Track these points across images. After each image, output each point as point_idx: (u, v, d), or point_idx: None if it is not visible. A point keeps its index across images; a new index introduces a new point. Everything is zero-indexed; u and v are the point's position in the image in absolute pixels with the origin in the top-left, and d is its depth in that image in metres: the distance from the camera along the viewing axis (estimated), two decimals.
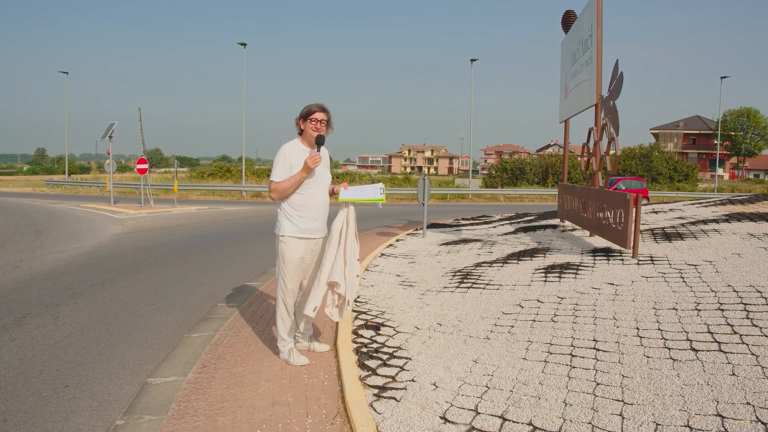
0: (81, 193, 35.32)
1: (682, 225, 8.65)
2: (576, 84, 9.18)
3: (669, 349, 3.82)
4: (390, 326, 5.13)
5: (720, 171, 43.29)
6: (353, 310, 5.74)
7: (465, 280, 6.68)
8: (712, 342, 3.85)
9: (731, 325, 4.10)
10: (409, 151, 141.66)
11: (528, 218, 14.04)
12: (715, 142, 53.05)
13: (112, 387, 4.15)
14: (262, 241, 12.09)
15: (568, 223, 10.75)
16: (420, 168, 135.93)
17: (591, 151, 8.42)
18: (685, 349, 3.79)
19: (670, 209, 11.70)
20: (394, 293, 6.48)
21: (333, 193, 4.50)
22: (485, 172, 69.09)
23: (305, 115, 4.25)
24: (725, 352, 3.67)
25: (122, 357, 4.78)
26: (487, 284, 6.37)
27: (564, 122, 10.84)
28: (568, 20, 10.26)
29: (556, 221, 11.64)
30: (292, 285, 4.36)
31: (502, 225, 12.92)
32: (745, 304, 4.49)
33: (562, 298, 5.32)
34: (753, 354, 3.60)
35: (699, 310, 4.49)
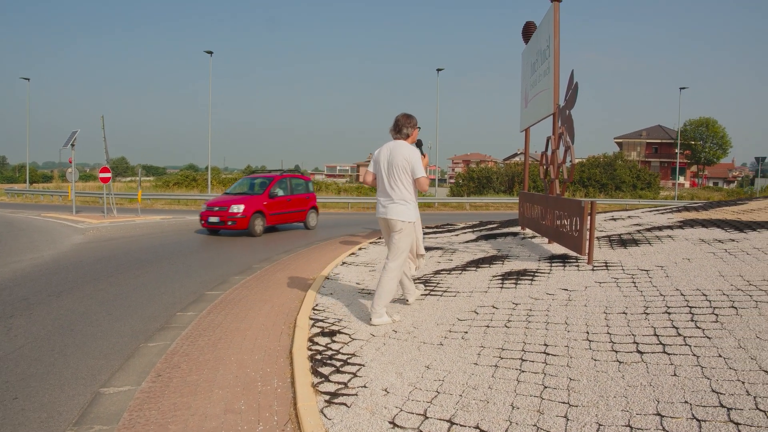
0: (42, 203, 34.55)
1: (639, 231, 8.84)
2: (535, 94, 9.35)
3: (616, 352, 3.91)
4: (346, 333, 5.13)
5: (681, 179, 44.33)
6: (311, 318, 5.75)
7: (424, 288, 6.72)
8: (657, 344, 3.95)
9: (676, 328, 4.21)
10: None
11: (490, 226, 14.21)
12: (676, 151, 54.36)
13: (64, 398, 4.08)
14: (225, 250, 12.01)
15: (528, 231, 10.90)
16: None
17: (549, 159, 8.57)
18: (631, 352, 3.87)
19: (629, 216, 11.95)
20: (353, 301, 6.49)
21: None
22: (453, 180, 69.57)
23: (416, 124, 5.54)
24: (669, 354, 3.76)
25: (76, 367, 4.69)
26: (445, 291, 6.43)
27: (525, 131, 11.01)
28: (528, 31, 10.44)
29: (517, 229, 11.79)
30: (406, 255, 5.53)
31: (465, 233, 13.04)
32: (690, 308, 4.61)
33: (516, 304, 5.39)
34: (694, 355, 3.70)
35: (647, 314, 4.59)
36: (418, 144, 5.67)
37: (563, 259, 7.24)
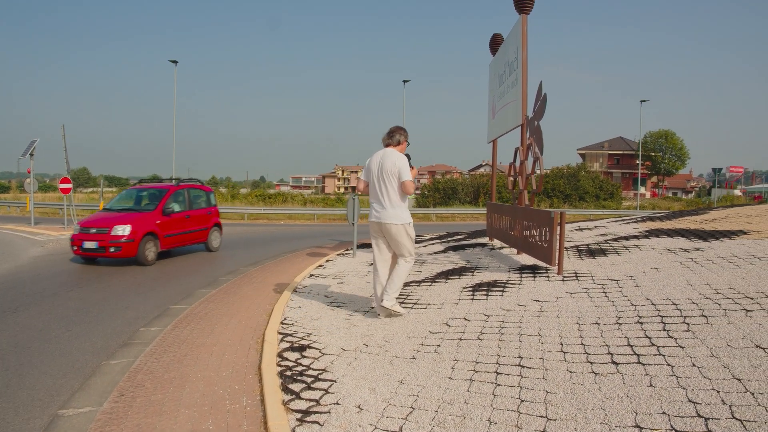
0: None
1: (606, 242, 8.91)
2: (503, 105, 9.39)
3: (591, 363, 3.87)
4: (316, 348, 5.01)
5: (642, 189, 45.28)
6: (279, 333, 5.61)
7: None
8: (631, 354, 3.93)
9: (649, 338, 4.20)
10: (343, 171, 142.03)
11: (458, 237, 14.21)
12: (637, 162, 55.53)
13: (19, 421, 3.86)
14: (190, 263, 11.74)
15: (496, 242, 10.92)
16: (353, 188, 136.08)
17: (517, 170, 8.59)
18: (606, 363, 3.84)
19: (595, 226, 12.07)
20: (322, 314, 6.37)
21: None
22: (418, 192, 69.93)
23: (407, 136, 6.00)
24: (643, 364, 3.74)
25: (32, 388, 4.47)
26: (415, 303, 6.35)
27: (492, 142, 11.05)
28: (495, 43, 10.51)
29: (485, 240, 11.81)
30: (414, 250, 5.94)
31: (433, 244, 13.01)
32: (662, 317, 4.62)
33: (488, 316, 5.34)
34: (669, 365, 3.69)
35: (620, 324, 4.58)
36: (407, 157, 5.91)
37: (533, 269, 7.24)
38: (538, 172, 7.44)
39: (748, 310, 4.57)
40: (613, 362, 3.84)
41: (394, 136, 5.92)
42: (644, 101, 44.67)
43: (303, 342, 5.21)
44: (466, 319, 5.33)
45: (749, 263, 6.25)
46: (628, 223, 11.92)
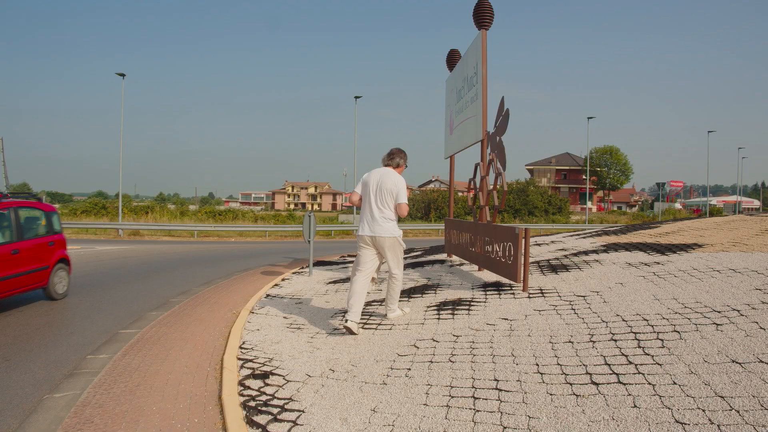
0: None
1: (566, 257, 8.91)
2: (461, 120, 9.34)
3: (571, 384, 3.74)
4: (279, 375, 4.73)
5: (589, 204, 46.30)
6: (239, 358, 5.30)
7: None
8: (610, 374, 3.81)
9: (626, 355, 4.11)
10: (293, 187, 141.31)
11: (415, 253, 14.07)
12: (584, 177, 56.89)
13: None
14: (141, 284, 11.21)
15: (455, 258, 10.82)
16: (303, 204, 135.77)
17: (478, 186, 8.52)
18: (586, 384, 3.72)
19: (552, 241, 12.12)
20: (282, 337, 6.08)
21: None
22: None
23: (406, 160, 6.28)
24: (624, 384, 3.63)
25: None
26: (379, 324, 6.14)
27: (449, 158, 10.98)
28: (452, 59, 10.49)
29: (443, 256, 11.70)
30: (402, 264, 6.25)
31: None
32: (635, 333, 4.54)
33: (457, 336, 5.17)
34: (650, 383, 3.59)
35: (594, 342, 4.48)
36: None
37: (497, 286, 7.13)
38: (501, 187, 7.37)
39: (718, 324, 4.54)
40: (593, 382, 3.72)
41: (394, 159, 6.20)
42: (591, 118, 45.77)
43: (265, 368, 4.92)
44: (434, 340, 5.15)
45: (710, 276, 6.29)
46: (584, 237, 12.01)
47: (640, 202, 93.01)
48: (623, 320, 4.93)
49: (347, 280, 9.86)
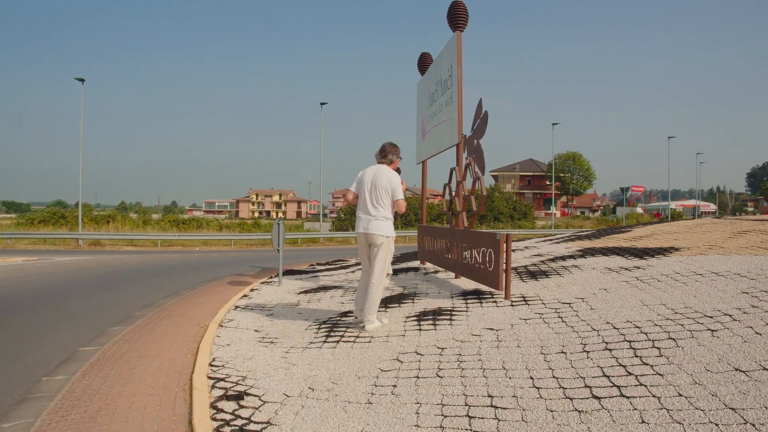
0: None
1: (543, 262, 8.74)
2: (435, 124, 9.11)
3: (571, 399, 3.50)
4: (254, 395, 4.38)
5: (552, 209, 46.77)
6: (209, 377, 4.93)
7: (332, 333, 6.08)
8: (611, 386, 3.59)
9: (624, 366, 3.90)
10: (257, 195, 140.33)
11: None
12: (548, 183, 57.52)
13: None
14: (102, 296, 10.67)
15: (429, 265, 10.58)
16: (268, 213, 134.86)
17: (454, 191, 8.29)
18: (587, 398, 3.49)
19: (526, 247, 11.98)
20: (255, 353, 5.73)
21: None
22: (333, 215, 69.67)
23: (399, 154, 6.25)
24: (627, 397, 3.41)
25: None
26: (357, 337, 5.82)
27: (422, 163, 10.76)
28: (424, 62, 10.28)
29: (416, 263, 11.45)
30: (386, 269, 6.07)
31: (360, 270, 12.48)
32: (629, 342, 4.35)
33: (442, 349, 4.90)
34: (654, 396, 3.38)
35: (588, 352, 4.27)
36: (397, 172, 6.17)
37: (478, 295, 6.89)
38: (479, 192, 7.15)
39: (712, 330, 4.38)
40: (595, 396, 3.49)
41: (386, 155, 6.15)
42: (556, 124, 46.31)
43: (239, 388, 4.57)
44: (418, 353, 4.87)
45: (694, 280, 6.17)
46: (557, 242, 11.90)
47: (602, 207, 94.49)
48: (614, 328, 4.74)
49: (319, 289, 9.53)
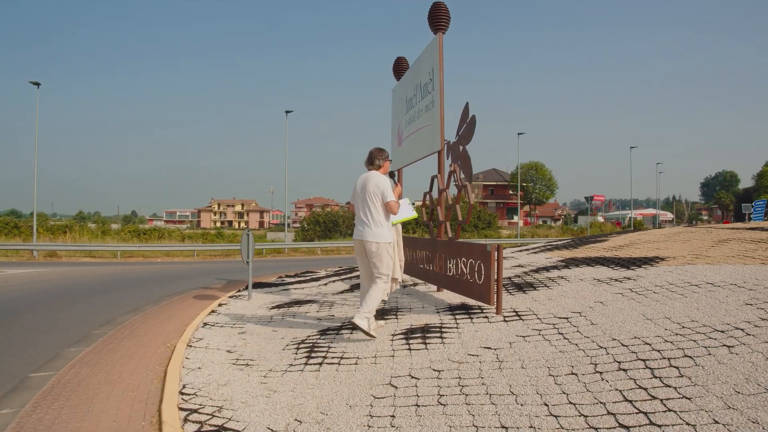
0: None
1: (526, 273, 8.44)
2: (414, 130, 8.73)
3: (596, 429, 3.14)
4: (234, 429, 3.89)
5: (515, 218, 46.95)
6: (181, 408, 4.41)
7: (313, 354, 5.60)
8: (637, 413, 3.24)
9: (644, 388, 3.56)
10: (219, 205, 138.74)
11: (357, 274, 13.28)
12: (511, 192, 57.89)
13: None
14: (57, 313, 9.93)
15: (406, 277, 10.19)
16: (230, 223, 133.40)
17: (436, 200, 7.92)
18: (614, 427, 3.13)
19: (504, 257, 11.69)
20: (230, 378, 5.22)
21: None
22: (297, 225, 69.15)
23: (387, 157, 6.22)
24: (660, 426, 3.07)
25: None
26: (342, 357, 5.36)
27: (397, 171, 10.37)
28: (400, 67, 9.91)
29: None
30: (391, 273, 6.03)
31: (333, 282, 12.02)
32: (643, 360, 4.02)
33: (438, 371, 4.50)
34: (689, 424, 3.04)
35: (600, 373, 3.92)
36: (390, 176, 6.13)
37: (466, 309, 6.51)
38: (466, 201, 6.80)
39: (729, 346, 4.08)
40: (622, 425, 3.13)
41: (374, 162, 6.14)
42: (521, 133, 46.65)
43: (216, 421, 4.06)
44: (413, 377, 4.45)
45: (692, 292, 5.92)
46: (535, 252, 11.65)
47: (563, 216, 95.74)
48: (622, 345, 4.41)
49: (292, 304, 9.02)
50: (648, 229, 21.76)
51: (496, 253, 5.82)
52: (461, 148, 6.80)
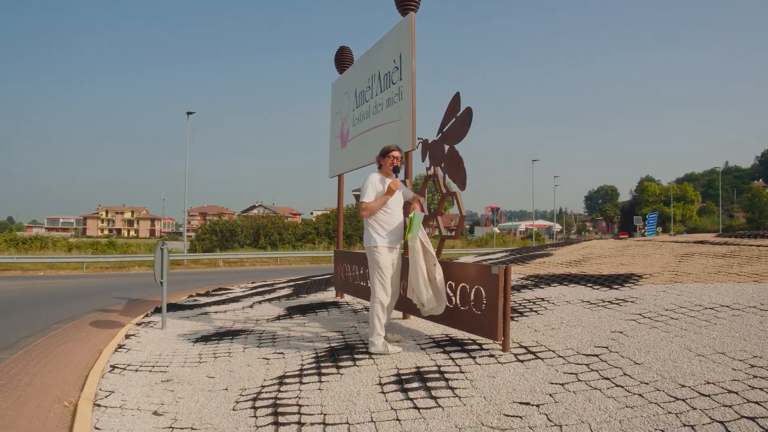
0: None
1: None
2: (367, 129, 7.53)
3: None
4: None
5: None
6: None
7: (280, 417, 4.07)
8: None
9: None
10: (107, 212, 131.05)
11: (284, 291, 11.77)
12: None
13: None
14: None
15: (349, 298, 8.97)
16: (119, 231, 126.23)
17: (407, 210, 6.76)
18: None
19: None
20: None
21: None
22: (191, 234, 66.22)
23: (384, 153, 5.57)
24: None
25: None
26: (323, 423, 3.90)
27: (338, 177, 9.12)
28: (344, 58, 8.69)
29: (331, 296, 9.76)
30: (389, 286, 5.39)
31: (261, 304, 10.29)
32: (750, 419, 3.06)
33: None
34: None
35: None
36: (395, 170, 5.54)
37: (459, 345, 5.30)
38: (460, 212, 5.70)
39: None
40: None
41: (378, 162, 5.72)
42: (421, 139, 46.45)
43: None
44: None
45: (714, 317, 5.25)
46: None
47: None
48: (702, 395, 3.45)
49: (222, 335, 7.40)
50: (599, 239, 21.67)
51: (503, 276, 4.74)
52: (447, 147, 5.67)
